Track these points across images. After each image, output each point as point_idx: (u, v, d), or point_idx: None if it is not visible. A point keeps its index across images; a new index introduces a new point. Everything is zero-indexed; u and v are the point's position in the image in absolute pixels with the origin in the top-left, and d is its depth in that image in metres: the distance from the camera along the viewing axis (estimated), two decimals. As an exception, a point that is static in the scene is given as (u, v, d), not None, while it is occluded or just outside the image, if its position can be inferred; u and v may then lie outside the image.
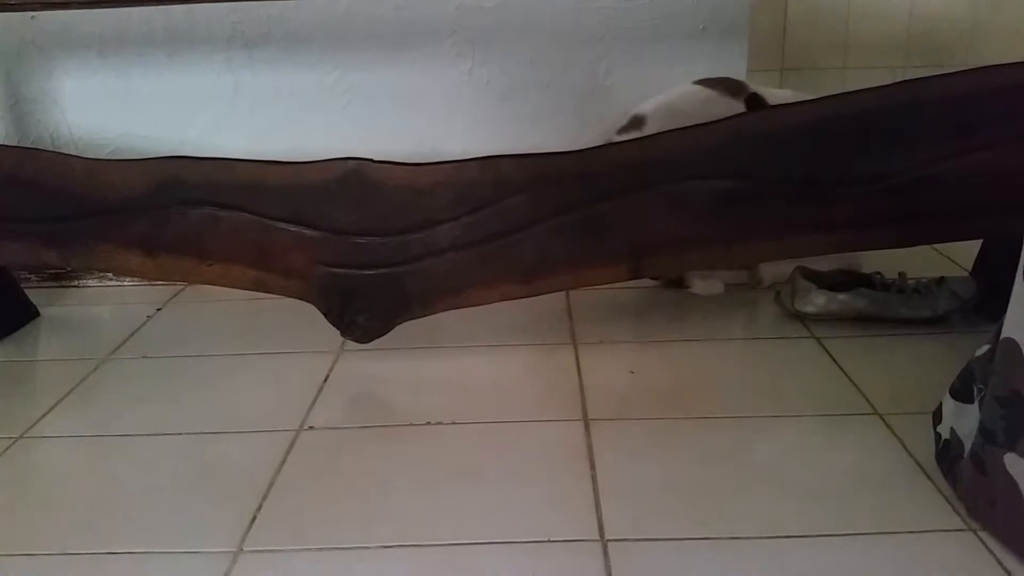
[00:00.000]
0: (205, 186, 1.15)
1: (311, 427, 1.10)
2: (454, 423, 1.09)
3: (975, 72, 1.08)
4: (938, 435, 0.96)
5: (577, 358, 1.25)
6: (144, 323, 1.44)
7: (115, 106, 1.54)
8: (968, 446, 0.89)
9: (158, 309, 1.48)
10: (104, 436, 1.10)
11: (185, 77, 1.51)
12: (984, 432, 0.84)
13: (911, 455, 0.99)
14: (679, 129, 1.13)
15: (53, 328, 1.45)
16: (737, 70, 1.52)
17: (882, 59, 2.35)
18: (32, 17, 1.47)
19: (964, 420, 0.91)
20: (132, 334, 1.39)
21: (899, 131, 1.10)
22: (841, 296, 1.33)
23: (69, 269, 1.51)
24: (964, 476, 0.89)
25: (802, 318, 1.35)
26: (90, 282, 1.60)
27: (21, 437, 1.10)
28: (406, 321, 1.23)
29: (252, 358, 1.30)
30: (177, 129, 1.54)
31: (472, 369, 1.24)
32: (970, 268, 1.42)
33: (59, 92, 1.54)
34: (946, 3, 2.35)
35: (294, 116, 1.52)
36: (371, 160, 1.15)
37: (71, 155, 1.20)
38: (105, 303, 1.53)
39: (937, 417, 0.96)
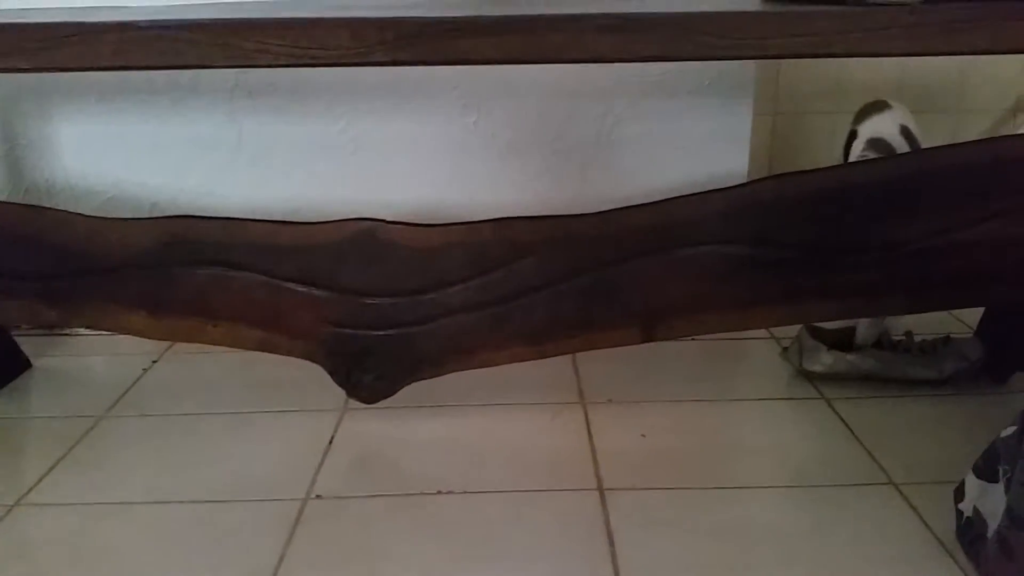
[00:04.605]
0: (213, 246, 1.13)
1: (318, 496, 1.07)
2: (465, 492, 1.07)
3: (989, 142, 1.09)
4: (960, 512, 0.95)
5: (587, 419, 1.24)
6: (140, 376, 1.40)
7: (113, 153, 1.51)
8: (993, 526, 0.88)
9: (154, 361, 1.45)
10: (104, 504, 1.06)
11: (187, 125, 1.49)
12: (1012, 516, 0.84)
13: (929, 529, 0.99)
14: (695, 194, 1.13)
15: (46, 381, 1.41)
16: (742, 125, 1.53)
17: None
18: (31, 62, 1.44)
19: (988, 500, 0.90)
20: (128, 389, 1.36)
21: (914, 199, 1.10)
22: (849, 356, 1.33)
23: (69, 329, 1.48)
24: (989, 558, 0.88)
25: (809, 377, 1.34)
26: (82, 331, 1.56)
27: (17, 504, 1.07)
28: (414, 382, 1.21)
29: (253, 416, 1.27)
30: (177, 177, 1.51)
31: (479, 431, 1.22)
32: (974, 325, 1.42)
33: (56, 138, 1.51)
34: (937, 51, 2.38)
35: (298, 165, 1.51)
36: (384, 220, 1.14)
37: (74, 213, 1.17)
38: (99, 353, 1.50)
39: (959, 494, 0.95)
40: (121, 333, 1.18)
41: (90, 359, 1.48)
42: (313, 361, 1.20)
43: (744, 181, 1.53)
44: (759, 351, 1.45)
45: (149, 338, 1.18)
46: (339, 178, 1.51)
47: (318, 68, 0.95)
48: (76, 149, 1.52)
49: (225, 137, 1.50)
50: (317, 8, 1.17)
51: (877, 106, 1.30)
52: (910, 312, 1.18)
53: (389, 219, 1.15)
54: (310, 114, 1.49)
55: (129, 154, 1.51)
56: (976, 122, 2.23)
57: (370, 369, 1.19)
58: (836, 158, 1.94)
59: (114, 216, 1.48)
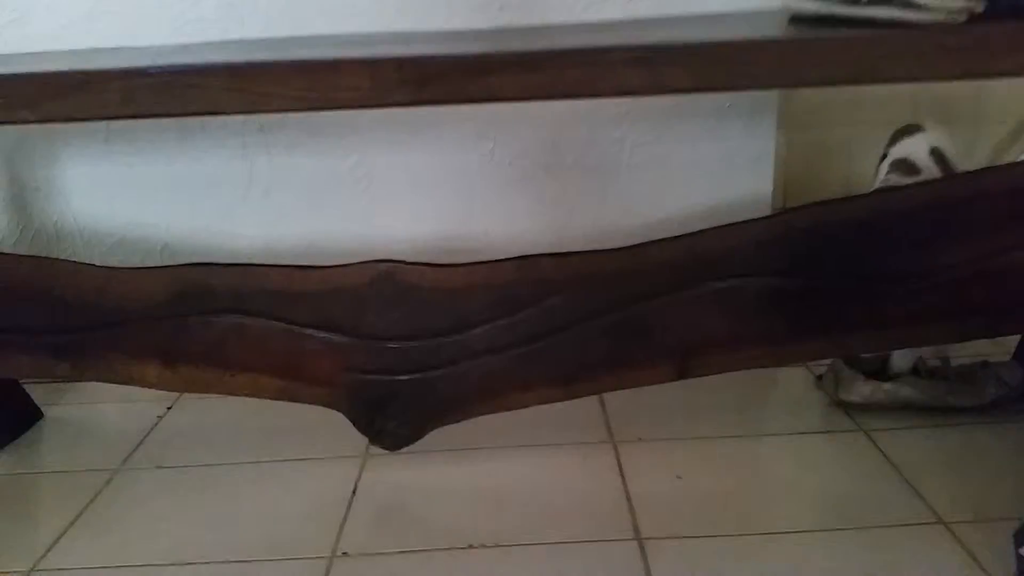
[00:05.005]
0: (229, 294, 1.09)
1: (345, 553, 1.03)
2: (497, 545, 1.02)
3: (1033, 165, 1.05)
4: (1020, 557, 0.91)
5: (618, 460, 1.19)
6: (155, 425, 1.36)
7: (122, 194, 1.48)
8: (1058, 574, 0.83)
9: (168, 408, 1.41)
10: (124, 567, 1.02)
11: (196, 163, 1.46)
12: (1083, 566, 0.79)
13: (987, 573, 0.94)
14: (727, 225, 1.09)
15: (58, 432, 1.37)
16: (765, 147, 1.49)
17: (890, 115, 2.32)
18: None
19: (1053, 546, 0.86)
20: (143, 439, 1.32)
21: (956, 224, 1.06)
22: (886, 386, 1.28)
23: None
24: (1058, 608, 0.83)
25: (846, 407, 1.30)
26: (95, 376, 1.52)
27: (32, 570, 1.02)
28: (439, 427, 1.16)
29: (272, 466, 1.23)
30: (187, 216, 1.48)
31: (506, 476, 1.18)
32: (1012, 348, 1.37)
33: (63, 180, 1.48)
34: (952, 60, 2.33)
35: (311, 201, 1.47)
36: (403, 262, 1.10)
37: (85, 263, 1.14)
38: (111, 401, 1.45)
39: (1020, 538, 0.91)
40: (136, 386, 1.14)
41: (103, 407, 1.44)
42: (335, 409, 1.16)
43: (769, 203, 1.50)
44: (792, 381, 1.40)
45: (165, 390, 1.15)
46: (353, 213, 1.47)
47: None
48: (84, 191, 1.48)
49: (236, 174, 1.46)
50: (332, 45, 1.14)
51: (909, 129, 1.27)
52: (954, 341, 1.14)
53: (409, 260, 1.11)
54: (322, 149, 1.45)
55: (138, 194, 1.48)
56: (994, 132, 2.19)
57: (393, 415, 1.15)
58: (852, 173, 1.90)
59: (125, 260, 1.47)
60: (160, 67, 0.89)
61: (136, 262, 1.44)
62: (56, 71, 0.91)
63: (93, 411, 1.43)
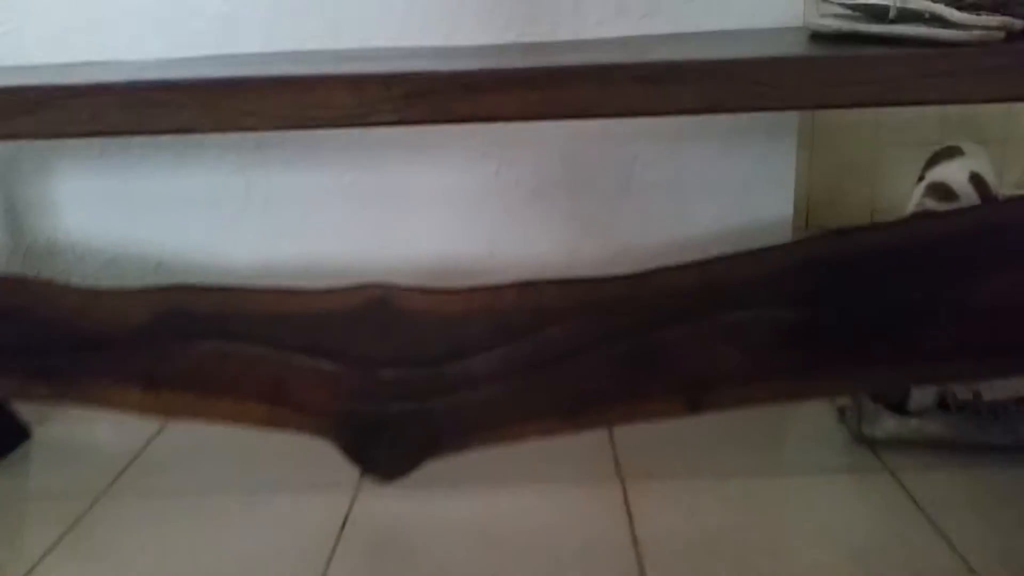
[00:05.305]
0: (213, 317, 1.04)
1: (331, 591, 0.97)
2: (494, 590, 0.96)
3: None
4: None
5: (626, 497, 1.13)
6: (144, 447, 1.31)
7: (116, 210, 1.43)
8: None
9: (160, 430, 1.36)
10: (98, 603, 0.97)
11: (192, 179, 1.41)
12: None
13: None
14: (743, 252, 1.02)
15: (46, 453, 1.32)
16: (785, 166, 1.42)
17: (919, 134, 2.25)
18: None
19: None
20: (131, 462, 1.27)
21: (988, 255, 0.99)
22: (913, 421, 1.21)
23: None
24: None
25: (870, 443, 1.22)
26: (87, 396, 1.47)
27: (3, 604, 0.97)
28: (436, 458, 1.10)
29: (261, 495, 1.17)
30: (182, 233, 1.43)
31: (507, 514, 1.11)
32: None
33: (56, 195, 1.44)
34: (981, 78, 2.25)
35: (309, 220, 1.42)
36: (397, 287, 1.04)
37: (65, 284, 1.09)
38: (103, 421, 1.38)
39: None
40: (117, 411, 1.09)
41: (93, 427, 1.38)
42: (324, 438, 1.10)
43: (791, 225, 1.43)
44: (812, 414, 1.32)
45: (147, 416, 1.09)
46: (352, 233, 1.42)
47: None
48: (77, 206, 1.44)
49: (231, 191, 1.41)
50: (315, 63, 1.09)
51: (949, 152, 1.20)
52: (983, 378, 1.07)
53: (403, 284, 1.05)
54: (320, 166, 1.40)
55: (133, 210, 1.43)
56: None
57: (386, 445, 1.09)
58: (878, 194, 1.82)
59: (119, 277, 1.43)
60: (127, 84, 0.84)
61: (130, 279, 1.40)
62: (23, 86, 0.86)
63: (83, 431, 1.37)
